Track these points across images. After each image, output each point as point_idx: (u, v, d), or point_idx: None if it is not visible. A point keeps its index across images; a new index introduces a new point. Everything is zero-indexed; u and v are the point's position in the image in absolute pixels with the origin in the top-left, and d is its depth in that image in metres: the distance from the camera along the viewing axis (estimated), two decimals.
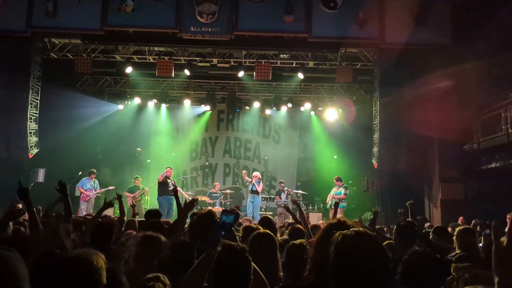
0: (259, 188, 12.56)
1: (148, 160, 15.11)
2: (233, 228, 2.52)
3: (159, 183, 11.93)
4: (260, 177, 12.96)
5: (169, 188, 11.72)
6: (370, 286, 1.63)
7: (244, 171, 13.57)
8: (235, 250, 2.35)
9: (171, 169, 12.24)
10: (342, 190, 12.21)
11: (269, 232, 3.27)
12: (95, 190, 12.02)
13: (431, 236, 5.03)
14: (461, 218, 9.04)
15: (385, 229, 7.71)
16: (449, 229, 7.58)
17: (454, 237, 4.48)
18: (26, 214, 3.85)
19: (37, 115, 10.95)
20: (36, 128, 10.92)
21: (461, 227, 4.68)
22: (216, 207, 12.10)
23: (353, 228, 1.79)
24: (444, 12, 10.28)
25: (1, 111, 10.40)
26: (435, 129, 10.67)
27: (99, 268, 1.78)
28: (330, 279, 1.69)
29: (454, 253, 4.23)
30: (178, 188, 11.93)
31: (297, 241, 3.03)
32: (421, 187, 11.53)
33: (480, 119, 10.13)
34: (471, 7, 10.17)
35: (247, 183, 12.94)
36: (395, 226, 4.45)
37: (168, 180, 11.94)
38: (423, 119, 10.72)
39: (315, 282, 2.14)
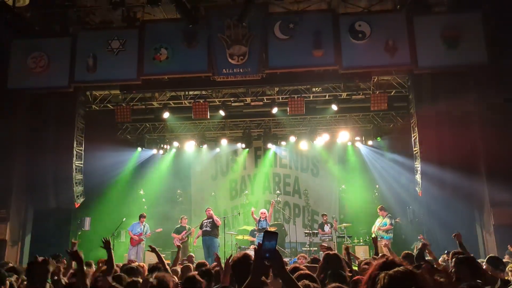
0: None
1: (179, 191, 15.25)
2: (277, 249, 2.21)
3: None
4: (267, 215, 12.58)
5: (203, 229, 11.95)
6: None
7: (252, 209, 12.97)
8: None
9: (209, 209, 12.37)
10: (388, 221, 11.82)
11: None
12: (145, 234, 12.04)
13: (484, 266, 4.75)
14: None
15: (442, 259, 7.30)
16: (506, 257, 7.14)
17: (510, 266, 4.25)
18: None
19: (82, 165, 11.41)
20: (81, 178, 11.35)
21: None
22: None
23: (398, 268, 1.75)
24: (477, 32, 10.03)
25: (49, 164, 10.94)
26: (480, 150, 10.27)
27: None
28: None
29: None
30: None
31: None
32: (471, 213, 10.97)
33: None
34: (505, 24, 9.93)
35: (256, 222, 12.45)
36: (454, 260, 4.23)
37: (204, 221, 12.07)
38: (466, 141, 10.36)
39: None
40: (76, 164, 11.09)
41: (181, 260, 7.92)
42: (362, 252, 11.92)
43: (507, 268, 4.22)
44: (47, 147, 11.01)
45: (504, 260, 5.54)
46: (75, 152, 11.01)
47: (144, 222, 12.26)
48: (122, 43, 10.51)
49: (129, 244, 12.07)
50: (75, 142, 11.04)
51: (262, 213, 12.45)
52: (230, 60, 10.24)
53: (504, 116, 9.94)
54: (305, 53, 10.22)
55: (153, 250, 5.56)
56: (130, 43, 10.59)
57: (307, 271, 3.43)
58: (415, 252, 6.84)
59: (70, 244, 11.29)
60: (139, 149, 14.40)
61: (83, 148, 11.46)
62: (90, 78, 10.68)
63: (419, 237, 6.81)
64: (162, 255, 5.55)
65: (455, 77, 10.44)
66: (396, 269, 1.75)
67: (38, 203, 11.16)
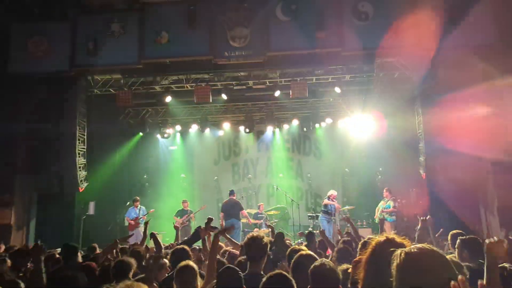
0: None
1: (183, 175, 15.26)
2: None
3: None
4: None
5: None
6: None
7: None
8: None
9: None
10: (391, 203, 11.83)
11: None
12: (140, 218, 12.14)
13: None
14: None
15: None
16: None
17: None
18: None
19: (84, 150, 11.40)
20: (85, 162, 11.36)
21: None
22: (262, 228, 12.02)
23: (416, 245, 1.76)
24: (485, 11, 9.85)
25: (52, 150, 10.94)
26: (486, 134, 10.19)
27: None
28: None
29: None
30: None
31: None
32: (475, 194, 10.93)
33: None
34: None
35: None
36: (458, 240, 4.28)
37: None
38: (471, 123, 10.27)
39: None
40: (79, 149, 11.08)
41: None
42: (365, 235, 11.93)
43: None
44: (50, 133, 10.99)
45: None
46: (77, 137, 10.99)
47: (139, 206, 12.35)
48: (122, 26, 10.40)
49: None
50: (77, 127, 11.01)
51: (331, 195, 12.57)
52: (231, 42, 10.13)
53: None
54: (308, 35, 10.08)
55: (153, 237, 5.71)
56: (130, 26, 10.49)
57: None
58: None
59: (74, 229, 11.42)
60: (141, 133, 14.41)
61: (85, 133, 11.44)
62: (91, 62, 10.59)
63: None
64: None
65: (460, 56, 10.28)
66: (413, 246, 1.75)
67: (42, 188, 11.20)
